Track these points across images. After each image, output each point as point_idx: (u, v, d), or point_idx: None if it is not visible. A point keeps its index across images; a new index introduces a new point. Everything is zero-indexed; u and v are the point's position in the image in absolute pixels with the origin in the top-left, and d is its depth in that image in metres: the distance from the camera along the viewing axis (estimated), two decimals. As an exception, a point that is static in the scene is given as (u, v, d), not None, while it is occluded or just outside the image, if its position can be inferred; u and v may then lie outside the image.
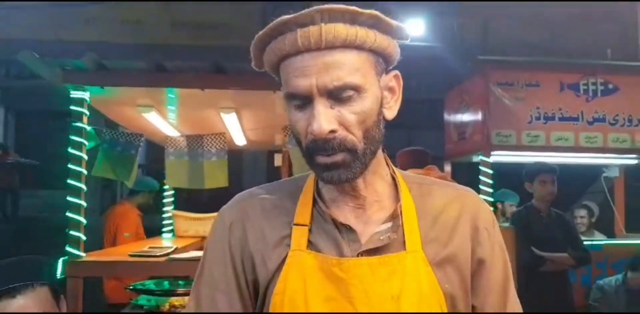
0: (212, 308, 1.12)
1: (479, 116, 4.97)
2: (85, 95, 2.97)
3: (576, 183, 7.33)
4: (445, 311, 1.06)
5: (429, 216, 1.13)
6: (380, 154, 1.13)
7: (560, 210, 4.80)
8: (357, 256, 1.06)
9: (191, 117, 3.72)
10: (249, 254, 1.12)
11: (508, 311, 1.16)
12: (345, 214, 1.12)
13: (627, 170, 6.17)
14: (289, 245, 1.09)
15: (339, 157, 1.02)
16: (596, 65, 5.19)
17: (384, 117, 1.09)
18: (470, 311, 1.13)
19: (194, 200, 7.09)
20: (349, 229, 1.09)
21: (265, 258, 1.10)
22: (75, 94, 2.94)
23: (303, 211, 1.13)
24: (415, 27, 7.36)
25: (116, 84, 2.94)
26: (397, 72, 1.13)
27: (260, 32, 1.04)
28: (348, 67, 1.00)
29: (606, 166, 5.99)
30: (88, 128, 3.01)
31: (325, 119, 0.99)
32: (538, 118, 4.93)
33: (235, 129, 3.91)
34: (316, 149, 1.02)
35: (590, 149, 4.99)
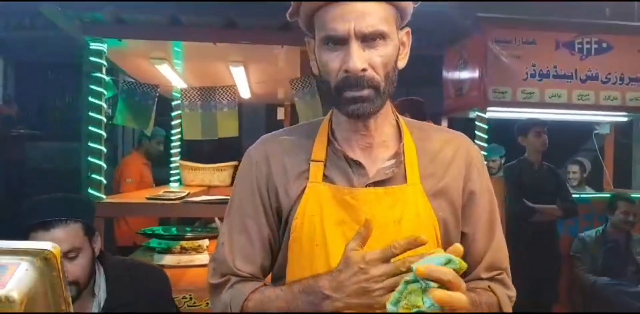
0: (242, 231, 1.29)
1: (476, 73, 5.02)
2: (104, 47, 3.09)
3: (570, 140, 7.47)
4: (439, 233, 1.22)
5: (427, 155, 1.28)
6: (388, 102, 1.30)
7: (554, 166, 4.99)
8: (366, 187, 1.22)
9: (201, 70, 3.83)
10: (273, 186, 1.27)
11: (493, 241, 1.32)
12: (355, 152, 1.27)
13: (617, 127, 6.28)
14: (307, 178, 1.25)
15: (366, 92, 1.16)
16: (592, 24, 5.24)
17: (397, 66, 1.24)
18: (459, 235, 1.29)
19: (198, 152, 7.23)
20: (359, 164, 1.24)
21: (287, 189, 1.26)
22: (94, 45, 3.07)
23: (319, 149, 1.28)
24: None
25: (133, 36, 3.06)
26: (408, 29, 1.31)
27: None
28: (380, 16, 1.16)
29: (597, 123, 6.08)
30: (107, 78, 3.15)
31: (359, 58, 1.14)
32: (533, 75, 4.99)
33: (242, 82, 4.03)
34: (348, 84, 1.16)
35: (582, 106, 5.08)
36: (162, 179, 5.70)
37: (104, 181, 3.13)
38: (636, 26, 5.45)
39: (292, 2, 1.25)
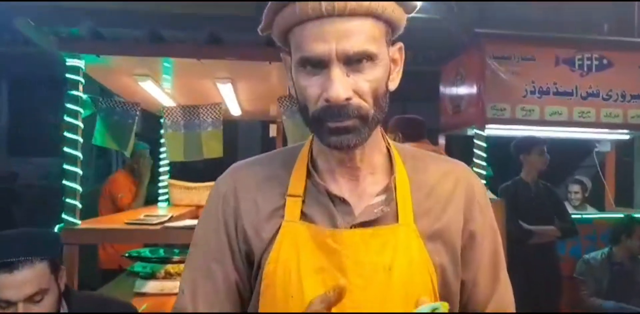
0: (206, 277, 1.14)
1: (474, 89, 4.97)
2: (81, 63, 2.96)
3: (569, 158, 7.39)
4: (436, 282, 1.08)
5: (422, 189, 1.15)
6: (378, 127, 1.15)
7: (552, 184, 4.87)
8: (351, 228, 1.08)
9: (187, 87, 3.71)
10: (242, 226, 1.14)
11: (498, 286, 1.18)
12: (339, 186, 1.14)
13: (618, 145, 6.22)
14: (282, 216, 1.11)
15: (350, 122, 1.02)
16: (592, 40, 5.18)
17: (388, 89, 1.11)
18: (459, 283, 1.14)
19: (189, 169, 7.10)
20: (343, 201, 1.11)
21: (258, 229, 1.12)
22: (70, 62, 2.93)
23: (297, 182, 1.14)
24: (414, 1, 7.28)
25: (112, 52, 2.92)
26: (401, 44, 1.15)
27: None
28: (366, 35, 1.01)
29: (598, 141, 6.02)
30: (84, 96, 3.01)
31: (342, 86, 1.00)
32: (533, 92, 4.95)
33: (231, 99, 3.91)
34: (328, 115, 1.02)
35: (583, 124, 5.03)
36: (152, 198, 5.53)
37: (79, 206, 2.97)
38: (637, 42, 5.41)
39: (263, 17, 1.09)
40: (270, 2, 1.06)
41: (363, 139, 1.05)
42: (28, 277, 1.79)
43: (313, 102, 1.04)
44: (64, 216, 2.94)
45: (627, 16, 6.69)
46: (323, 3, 0.98)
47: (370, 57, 1.02)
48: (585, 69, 5.03)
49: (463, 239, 1.14)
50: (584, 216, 5.39)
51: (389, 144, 1.21)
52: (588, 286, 4.73)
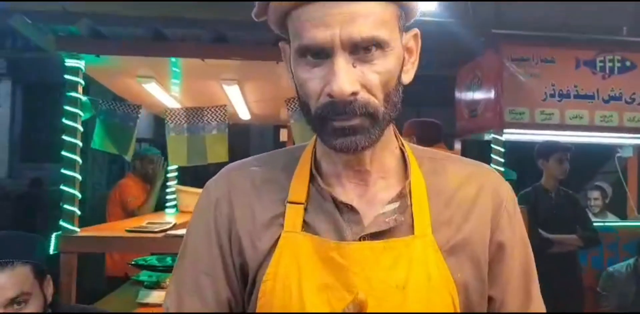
0: (195, 292, 1.02)
1: (491, 93, 4.85)
2: (80, 63, 2.84)
3: (588, 163, 7.21)
4: (457, 301, 0.96)
5: (441, 196, 1.02)
6: (390, 126, 1.02)
7: (571, 190, 4.70)
8: (359, 240, 0.96)
9: (192, 89, 3.60)
10: (236, 235, 1.02)
11: (530, 305, 1.06)
12: (347, 191, 1.01)
13: (641, 150, 6.04)
14: (281, 225, 0.99)
15: (357, 120, 0.90)
16: (614, 41, 5.03)
17: (401, 82, 0.98)
18: (485, 302, 1.02)
19: (200, 175, 7.01)
20: (351, 209, 0.98)
21: (254, 240, 1.00)
22: (69, 62, 2.82)
23: (298, 187, 1.02)
24: (427, 2, 7.21)
25: (112, 52, 2.81)
26: (416, 30, 1.01)
27: None
28: (375, 18, 0.89)
29: (620, 146, 5.85)
30: (83, 98, 2.89)
31: (347, 78, 0.87)
32: (553, 95, 4.81)
33: (238, 101, 3.78)
34: (332, 112, 0.90)
35: (605, 128, 4.87)
36: (160, 204, 5.43)
37: (78, 212, 2.85)
38: (661, 43, 5.20)
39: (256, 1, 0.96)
40: None
41: (372, 141, 0.93)
42: (9, 279, 1.75)
43: (314, 97, 0.92)
44: (61, 223, 2.83)
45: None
46: None
47: (380, 45, 0.89)
48: (607, 71, 4.89)
49: (489, 252, 1.02)
50: (607, 224, 5.19)
51: (402, 144, 1.08)
52: (611, 301, 4.52)
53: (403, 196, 1.00)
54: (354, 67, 0.89)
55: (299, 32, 0.90)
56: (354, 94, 0.88)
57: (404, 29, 0.98)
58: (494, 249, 1.02)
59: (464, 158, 1.16)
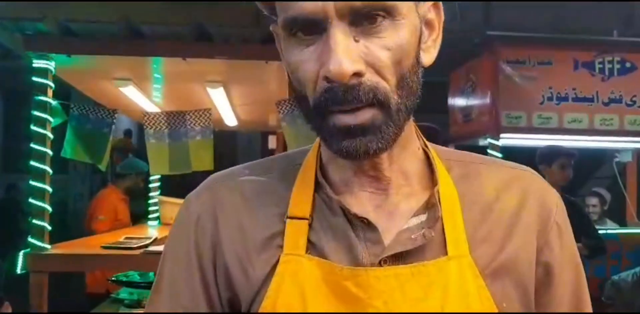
0: None
1: (487, 96, 4.82)
2: (50, 64, 2.64)
3: (584, 168, 7.15)
4: None
5: (477, 206, 0.84)
6: (409, 121, 0.82)
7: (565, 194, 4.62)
8: (380, 263, 0.78)
9: (174, 92, 3.42)
10: (222, 261, 0.83)
11: None
12: (361, 202, 0.82)
13: (640, 155, 5.99)
14: (280, 247, 0.81)
15: (366, 115, 0.71)
16: (612, 42, 4.96)
17: (420, 63, 0.78)
18: None
19: (186, 184, 6.85)
20: (367, 224, 0.79)
21: (245, 266, 0.82)
22: (38, 63, 2.61)
23: (301, 199, 0.83)
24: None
25: (85, 52, 2.62)
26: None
27: None
28: None
29: (618, 150, 5.79)
30: (53, 102, 2.68)
31: (347, 54, 0.68)
32: (550, 98, 4.78)
33: (224, 106, 3.61)
34: (331, 101, 0.71)
35: (605, 132, 4.82)
36: (142, 215, 5.30)
37: (48, 227, 2.64)
38: (661, 43, 5.13)
39: None
40: None
41: (387, 142, 0.75)
42: None
43: (310, 85, 0.74)
44: (30, 239, 2.61)
45: (638, 19, 6.49)
46: None
47: (388, 12, 0.71)
48: (607, 73, 4.88)
49: (537, 274, 0.85)
50: (609, 231, 5.10)
51: (425, 144, 0.88)
52: (618, 311, 4.38)
53: (431, 206, 0.81)
54: (356, 41, 0.71)
55: (284, 3, 0.73)
56: (358, 75, 0.70)
57: None
58: (541, 272, 0.85)
59: (499, 160, 0.96)
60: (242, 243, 0.83)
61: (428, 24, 0.80)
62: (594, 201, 5.80)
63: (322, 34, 0.71)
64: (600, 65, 4.81)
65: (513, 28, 5.05)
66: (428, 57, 0.80)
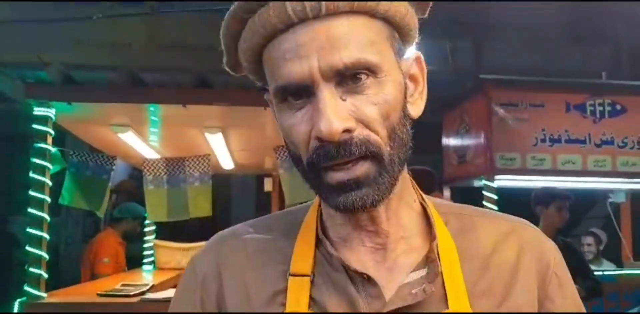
0: None
1: (481, 138, 4.78)
2: (50, 112, 2.65)
3: (579, 208, 7.12)
4: None
5: (476, 260, 0.85)
6: (404, 173, 0.83)
7: (565, 237, 4.59)
8: None
9: (173, 138, 3.42)
10: None
11: None
12: (361, 258, 0.83)
13: (634, 195, 5.94)
14: (283, 304, 0.81)
15: (361, 169, 0.73)
16: (603, 85, 5.00)
17: (408, 115, 0.80)
18: None
19: (180, 228, 6.78)
20: (368, 279, 0.80)
21: None
22: (38, 111, 2.62)
23: (302, 256, 0.84)
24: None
25: (85, 99, 2.63)
26: (418, 53, 0.83)
27: (233, 7, 0.74)
28: (359, 39, 0.73)
29: (612, 191, 5.76)
30: (53, 150, 2.68)
31: (336, 113, 0.70)
32: (544, 140, 4.73)
33: (222, 151, 3.62)
34: (324, 157, 0.72)
35: (598, 173, 4.79)
36: (137, 258, 5.22)
37: (45, 275, 2.58)
38: (650, 86, 5.19)
39: (223, 48, 0.80)
40: (225, 20, 0.76)
41: (383, 193, 0.75)
42: None
43: (303, 145, 0.75)
44: (26, 288, 2.56)
45: (626, 61, 6.56)
46: (289, 5, 0.71)
47: (371, 70, 0.72)
48: (598, 115, 4.86)
49: None
50: (606, 272, 5.04)
51: (422, 197, 0.88)
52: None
53: (431, 261, 0.81)
54: (343, 100, 0.72)
55: (273, 73, 0.75)
56: (348, 131, 0.71)
57: (403, 53, 0.81)
58: None
59: (493, 212, 0.97)
60: (246, 301, 0.83)
61: (412, 78, 0.82)
62: (589, 240, 5.74)
63: (310, 97, 0.73)
64: (592, 108, 4.82)
65: (505, 71, 5.11)
66: (415, 109, 0.81)
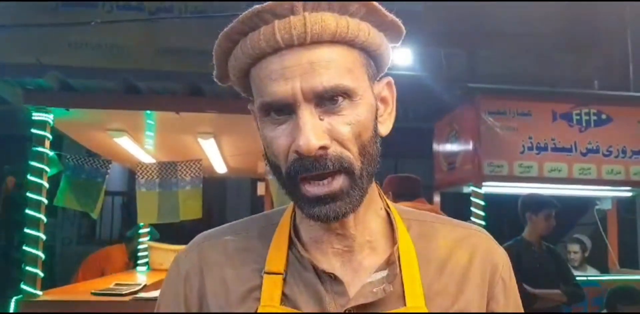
0: None
1: (469, 146, 4.84)
2: (49, 117, 2.73)
3: (565, 215, 7.17)
4: None
5: (433, 263, 0.93)
6: (372, 183, 0.92)
7: (549, 243, 4.64)
8: (344, 313, 0.86)
9: (166, 143, 3.49)
10: (208, 312, 0.91)
11: None
12: (329, 259, 0.91)
13: (620, 202, 6.01)
14: (258, 299, 0.89)
15: (336, 184, 0.82)
16: (589, 94, 5.09)
17: (377, 133, 0.90)
18: None
19: (175, 229, 6.82)
20: (334, 278, 0.88)
21: None
22: (37, 116, 2.70)
23: (276, 256, 0.92)
24: (401, 56, 7.34)
25: (82, 105, 2.71)
26: (389, 78, 0.93)
27: (227, 28, 0.83)
28: (338, 66, 0.82)
29: (598, 198, 5.82)
30: (50, 153, 2.76)
31: (314, 131, 0.79)
32: (531, 148, 4.80)
33: (215, 155, 3.69)
34: (302, 169, 0.81)
35: (583, 181, 4.86)
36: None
37: (41, 274, 2.66)
38: (635, 96, 5.29)
39: (214, 61, 0.89)
40: (218, 39, 0.86)
41: (354, 205, 0.84)
42: None
43: (282, 157, 0.84)
44: (22, 286, 2.63)
45: (617, 71, 6.64)
46: (278, 32, 0.80)
47: (347, 94, 0.82)
48: (584, 124, 4.91)
49: None
50: (591, 278, 5.10)
51: (387, 205, 0.98)
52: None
53: (391, 263, 0.90)
54: (321, 119, 0.81)
55: (259, 90, 0.83)
56: (324, 148, 0.80)
57: (376, 78, 0.91)
58: None
59: (453, 220, 1.07)
60: (225, 296, 0.91)
61: (383, 100, 0.91)
62: (575, 247, 5.76)
63: (291, 114, 0.81)
64: (578, 117, 4.86)
65: (498, 79, 5.19)
66: (384, 128, 0.91)
